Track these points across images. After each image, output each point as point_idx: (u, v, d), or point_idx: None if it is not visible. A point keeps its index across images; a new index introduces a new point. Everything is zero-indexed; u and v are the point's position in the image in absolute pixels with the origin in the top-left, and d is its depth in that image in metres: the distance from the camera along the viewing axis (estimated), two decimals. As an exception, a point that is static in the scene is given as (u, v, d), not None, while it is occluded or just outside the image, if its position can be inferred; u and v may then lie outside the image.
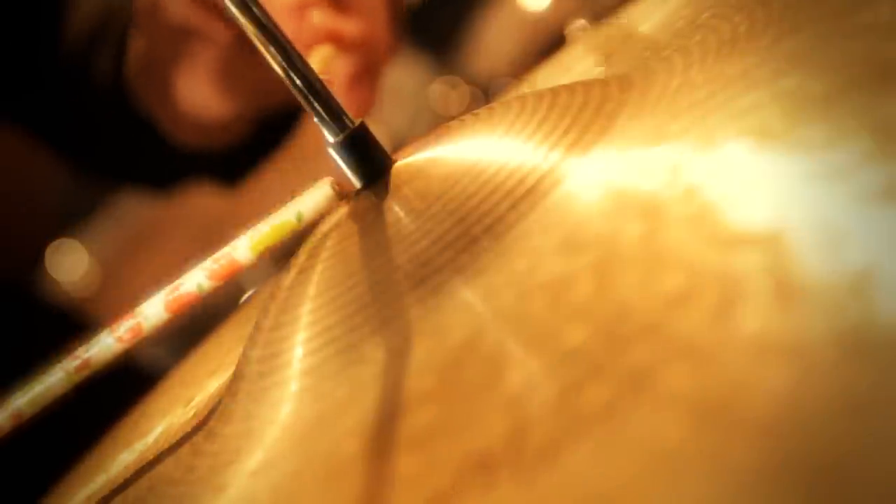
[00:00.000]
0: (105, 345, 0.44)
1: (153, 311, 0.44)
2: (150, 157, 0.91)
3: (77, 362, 0.44)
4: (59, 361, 0.45)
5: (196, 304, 0.44)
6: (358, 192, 0.44)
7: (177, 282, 0.44)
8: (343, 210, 0.43)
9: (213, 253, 0.44)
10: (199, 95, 0.81)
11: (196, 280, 0.44)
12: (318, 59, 0.65)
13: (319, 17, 0.68)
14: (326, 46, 0.67)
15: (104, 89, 0.88)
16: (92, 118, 0.92)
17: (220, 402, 0.45)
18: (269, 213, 0.44)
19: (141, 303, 0.44)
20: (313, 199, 0.44)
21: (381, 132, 0.45)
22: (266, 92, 0.80)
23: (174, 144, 0.87)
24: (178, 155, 0.88)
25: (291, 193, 0.44)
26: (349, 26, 0.69)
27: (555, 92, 0.44)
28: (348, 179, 0.44)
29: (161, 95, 0.83)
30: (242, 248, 0.44)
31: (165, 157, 0.88)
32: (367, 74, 0.72)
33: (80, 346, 0.45)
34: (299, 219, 0.43)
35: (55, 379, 0.44)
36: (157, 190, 1.01)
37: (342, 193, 0.44)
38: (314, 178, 0.44)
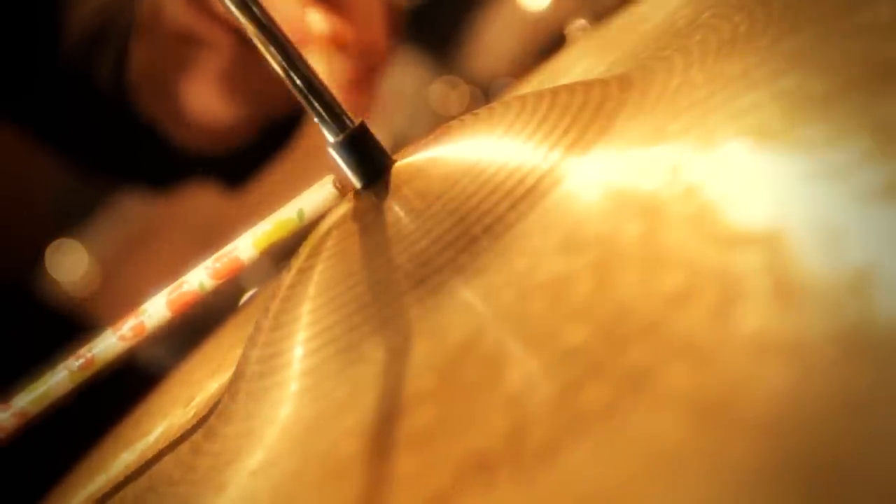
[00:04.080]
0: (108, 343, 0.45)
1: (155, 309, 0.44)
2: (151, 159, 0.91)
3: (80, 361, 0.45)
4: (63, 360, 0.45)
5: (198, 303, 0.44)
6: (358, 192, 0.44)
7: (179, 280, 0.44)
8: (343, 209, 0.43)
9: (215, 252, 0.44)
10: (205, 102, 0.81)
11: (198, 279, 0.44)
12: (319, 59, 0.65)
13: (317, 20, 0.68)
14: (325, 48, 0.67)
15: (105, 95, 0.88)
16: (93, 121, 0.92)
17: (220, 401, 0.45)
18: (271, 212, 0.44)
19: (143, 302, 0.45)
20: (315, 196, 0.44)
21: (381, 132, 0.45)
22: (271, 96, 0.80)
23: (178, 148, 0.87)
24: (180, 157, 0.88)
25: (294, 194, 0.44)
26: (347, 29, 0.69)
27: (555, 92, 0.44)
28: (348, 179, 0.44)
29: (166, 102, 0.83)
30: (244, 246, 0.44)
31: (167, 159, 0.88)
32: (366, 78, 0.72)
33: (82, 345, 0.45)
34: (301, 216, 0.44)
35: (59, 378, 0.45)
36: (158, 191, 1.01)
37: (344, 191, 0.44)
38: (317, 180, 0.44)
